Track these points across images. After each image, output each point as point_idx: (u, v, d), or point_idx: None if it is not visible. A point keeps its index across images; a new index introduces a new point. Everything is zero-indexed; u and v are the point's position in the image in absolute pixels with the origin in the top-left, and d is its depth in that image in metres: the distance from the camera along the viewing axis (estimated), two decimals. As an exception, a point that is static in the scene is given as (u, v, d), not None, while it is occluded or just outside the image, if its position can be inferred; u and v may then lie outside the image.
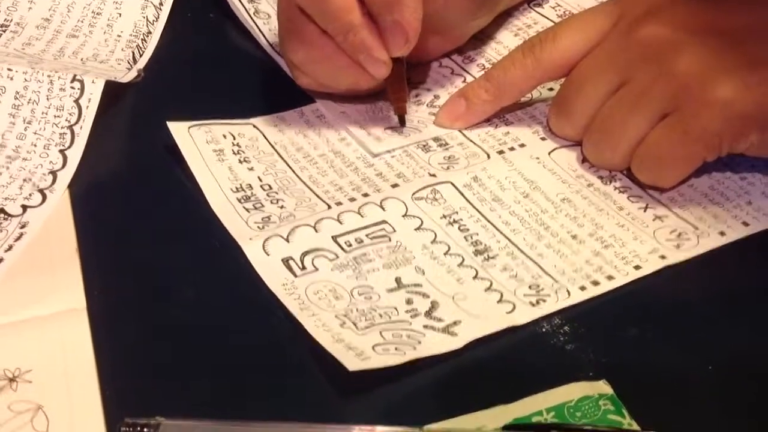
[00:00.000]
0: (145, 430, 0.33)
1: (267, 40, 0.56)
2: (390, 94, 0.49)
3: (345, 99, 0.51)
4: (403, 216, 0.44)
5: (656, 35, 0.44)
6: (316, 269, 0.41)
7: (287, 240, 0.43)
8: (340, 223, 0.44)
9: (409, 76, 0.53)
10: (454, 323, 0.39)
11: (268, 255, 0.42)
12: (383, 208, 0.45)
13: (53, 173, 0.46)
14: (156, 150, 0.48)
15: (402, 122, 0.49)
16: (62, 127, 0.48)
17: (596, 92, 0.46)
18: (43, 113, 0.48)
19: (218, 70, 0.55)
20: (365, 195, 0.45)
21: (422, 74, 0.54)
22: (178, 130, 0.48)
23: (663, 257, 0.42)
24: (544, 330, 0.39)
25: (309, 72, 0.49)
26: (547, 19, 0.57)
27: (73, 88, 0.49)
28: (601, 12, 0.48)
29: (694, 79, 0.43)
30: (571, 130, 0.48)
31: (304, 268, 0.41)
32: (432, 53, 0.54)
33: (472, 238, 0.43)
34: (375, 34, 0.45)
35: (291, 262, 0.42)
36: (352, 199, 0.45)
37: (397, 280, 0.41)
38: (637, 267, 0.42)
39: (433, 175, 0.47)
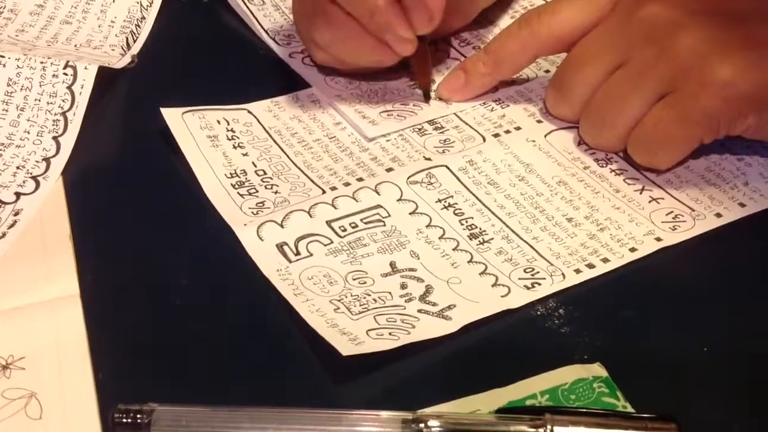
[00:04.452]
0: (139, 416, 0.33)
1: (261, 26, 0.56)
2: (415, 70, 0.50)
3: (340, 83, 0.51)
4: (397, 200, 0.44)
5: (657, 15, 0.44)
6: (311, 254, 0.41)
7: (281, 225, 0.42)
8: (335, 208, 0.44)
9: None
10: (449, 307, 0.39)
11: (262, 240, 0.42)
12: (378, 193, 0.44)
13: (46, 160, 0.46)
14: (150, 136, 0.48)
15: (427, 97, 0.50)
16: (55, 114, 0.48)
17: (595, 72, 0.45)
18: (36, 100, 0.48)
19: (212, 56, 0.55)
20: (360, 179, 0.45)
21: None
22: (171, 116, 0.48)
23: (659, 239, 0.42)
24: (539, 313, 0.39)
25: (333, 51, 0.49)
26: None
27: (65, 74, 0.49)
28: None
29: (693, 60, 0.43)
30: (568, 109, 0.47)
31: (298, 253, 0.41)
32: (440, 31, 0.54)
33: (467, 222, 0.43)
34: (400, 14, 0.46)
35: (285, 248, 0.41)
36: (347, 184, 0.45)
37: (392, 264, 0.41)
38: (632, 249, 0.41)
39: (429, 159, 0.46)
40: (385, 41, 0.47)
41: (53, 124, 0.47)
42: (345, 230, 0.42)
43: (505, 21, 0.56)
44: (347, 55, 0.49)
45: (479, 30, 0.55)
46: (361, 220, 0.43)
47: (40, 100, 0.48)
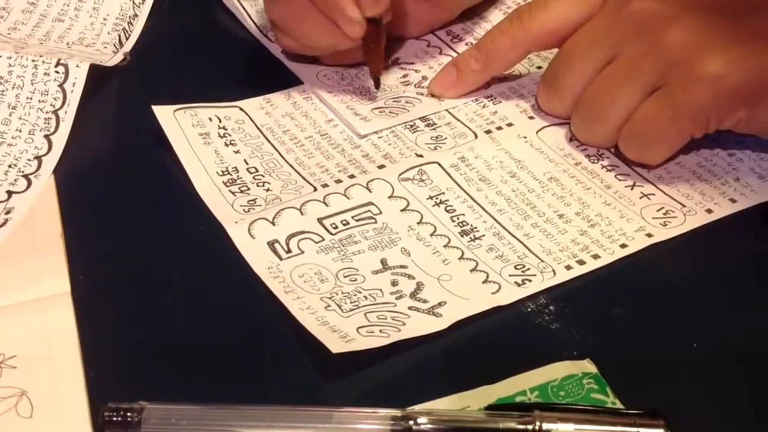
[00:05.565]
0: (129, 414, 0.33)
1: (254, 22, 0.56)
2: (365, 55, 0.49)
3: (332, 80, 0.51)
4: (389, 197, 0.44)
5: (647, 9, 0.44)
6: (302, 252, 0.41)
7: (273, 223, 0.42)
8: (326, 205, 0.44)
9: (397, 56, 0.53)
10: (439, 304, 0.39)
11: (253, 238, 0.42)
12: (369, 190, 0.44)
13: (38, 158, 0.46)
14: (141, 134, 0.48)
15: (377, 85, 0.49)
16: (47, 112, 0.48)
17: (586, 67, 0.45)
18: (27, 98, 0.48)
19: (205, 53, 0.55)
20: (351, 177, 0.45)
21: (410, 54, 0.53)
22: (163, 113, 0.48)
23: (649, 235, 0.42)
24: (529, 310, 0.39)
25: (288, 31, 0.49)
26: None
27: (57, 72, 0.49)
28: None
29: (683, 54, 0.43)
30: (559, 105, 0.47)
31: (289, 251, 0.41)
32: (425, 25, 0.54)
33: (458, 218, 0.43)
34: None
35: (276, 245, 0.41)
36: (339, 181, 0.45)
37: (383, 261, 0.41)
38: (623, 245, 0.41)
39: (420, 156, 0.46)
40: (335, 21, 0.46)
41: (45, 123, 0.47)
42: (336, 228, 0.42)
43: (496, 17, 0.56)
44: (301, 34, 0.48)
45: (470, 26, 0.55)
46: (353, 217, 0.43)
47: (31, 99, 0.48)
